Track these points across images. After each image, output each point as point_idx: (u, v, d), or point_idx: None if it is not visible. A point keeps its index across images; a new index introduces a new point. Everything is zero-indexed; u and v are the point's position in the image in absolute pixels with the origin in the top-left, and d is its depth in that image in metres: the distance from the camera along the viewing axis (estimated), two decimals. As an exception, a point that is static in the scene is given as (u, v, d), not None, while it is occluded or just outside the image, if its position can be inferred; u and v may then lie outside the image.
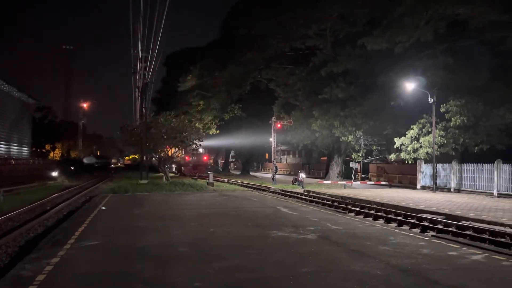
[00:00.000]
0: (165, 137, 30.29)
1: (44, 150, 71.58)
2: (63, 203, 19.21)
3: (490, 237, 10.50)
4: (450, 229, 11.67)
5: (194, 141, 31.57)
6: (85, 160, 65.44)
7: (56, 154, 76.54)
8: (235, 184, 33.29)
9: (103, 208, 14.91)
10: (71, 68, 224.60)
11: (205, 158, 52.99)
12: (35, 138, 58.10)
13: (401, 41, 24.40)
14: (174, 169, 56.09)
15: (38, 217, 14.63)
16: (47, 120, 73.34)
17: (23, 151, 49.43)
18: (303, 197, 22.13)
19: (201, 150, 47.42)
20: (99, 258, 7.33)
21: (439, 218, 13.22)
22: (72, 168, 53.72)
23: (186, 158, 49.28)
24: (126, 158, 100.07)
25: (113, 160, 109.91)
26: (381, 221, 13.82)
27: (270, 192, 25.89)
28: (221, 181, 34.66)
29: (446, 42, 24.92)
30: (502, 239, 10.32)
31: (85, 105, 65.78)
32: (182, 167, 49.57)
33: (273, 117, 34.14)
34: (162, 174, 32.46)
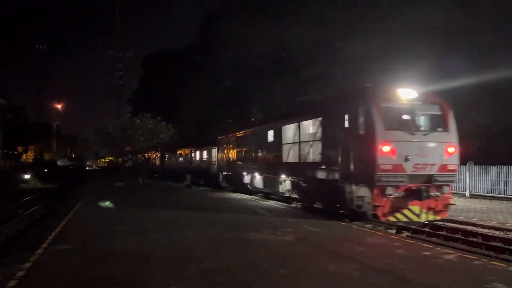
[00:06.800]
0: (141, 139, 29.88)
1: (16, 152, 69.64)
2: (35, 206, 18.73)
3: (463, 237, 10.76)
4: (424, 229, 11.90)
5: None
6: (59, 163, 63.86)
7: (29, 156, 74.55)
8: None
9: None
10: (45, 68, 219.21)
11: (450, 149, 11.52)
12: (6, 140, 56.44)
13: (377, 45, 24.87)
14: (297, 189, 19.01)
15: (9, 221, 14.22)
16: (19, 121, 71.45)
17: (-6, 153, 47.98)
18: (281, 198, 22.17)
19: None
20: (73, 263, 7.16)
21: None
22: (46, 170, 52.39)
23: (387, 150, 10.90)
24: (102, 160, 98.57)
25: (88, 163, 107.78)
26: (358, 222, 13.97)
27: (249, 194, 25.80)
28: (198, 184, 34.33)
29: (420, 47, 25.51)
30: (474, 239, 10.60)
31: (59, 106, 64.35)
32: (374, 194, 11.19)
33: (252, 119, 34.11)
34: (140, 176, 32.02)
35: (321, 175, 13.72)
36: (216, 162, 28.65)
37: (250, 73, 36.13)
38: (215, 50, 36.68)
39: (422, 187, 11.10)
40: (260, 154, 20.00)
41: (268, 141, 18.67)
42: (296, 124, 15.92)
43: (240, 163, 22.71)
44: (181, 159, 39.61)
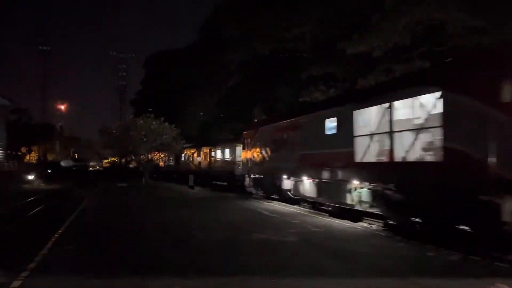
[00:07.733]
0: (145, 139, 30.00)
1: (19, 153, 69.90)
2: (39, 207, 18.79)
3: (466, 239, 10.69)
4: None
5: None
6: (62, 163, 64.18)
7: (32, 157, 74.85)
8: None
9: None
10: (48, 69, 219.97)
11: None
12: (9, 141, 56.65)
13: (379, 45, 24.79)
14: None
15: (13, 222, 14.26)
16: (22, 122, 71.75)
17: (-2, 154, 48.09)
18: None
19: None
20: (78, 263, 7.20)
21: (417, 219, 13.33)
22: (49, 171, 52.59)
23: None
24: (105, 161, 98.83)
25: (91, 163, 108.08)
26: (362, 223, 13.95)
27: (251, 195, 25.76)
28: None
29: (422, 47, 25.45)
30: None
31: (62, 107, 64.70)
32: None
33: (255, 120, 34.10)
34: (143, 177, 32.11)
35: (439, 181, 8.78)
36: (241, 163, 23.88)
37: (252, 73, 36.11)
38: (217, 51, 36.70)
39: None
40: (311, 151, 14.66)
41: (327, 133, 13.53)
42: (385, 105, 10.54)
43: (276, 163, 17.52)
44: (198, 159, 35.79)
